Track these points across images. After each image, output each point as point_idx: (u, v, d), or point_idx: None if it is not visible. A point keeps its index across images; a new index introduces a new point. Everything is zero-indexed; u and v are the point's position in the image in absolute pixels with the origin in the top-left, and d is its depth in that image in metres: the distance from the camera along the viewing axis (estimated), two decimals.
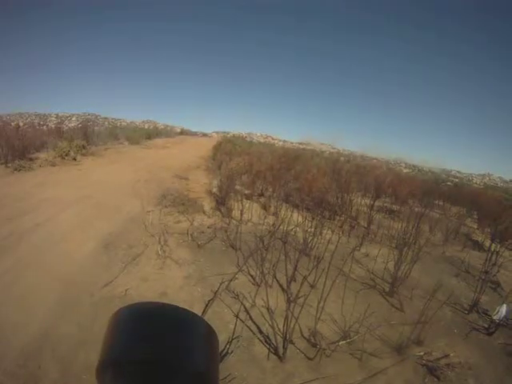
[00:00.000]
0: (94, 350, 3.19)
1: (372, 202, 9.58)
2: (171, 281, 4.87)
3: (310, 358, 3.62)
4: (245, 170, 12.03)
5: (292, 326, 3.59)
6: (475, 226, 11.95)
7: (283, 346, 3.54)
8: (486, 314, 5.26)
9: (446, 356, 4.03)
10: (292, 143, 66.13)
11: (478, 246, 9.13)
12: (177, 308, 0.52)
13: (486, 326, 4.87)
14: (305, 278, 4.26)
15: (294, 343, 3.75)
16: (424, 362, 3.89)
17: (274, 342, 3.65)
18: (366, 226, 8.32)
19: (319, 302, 3.76)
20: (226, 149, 21.02)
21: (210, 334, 0.53)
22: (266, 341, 3.81)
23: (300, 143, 65.07)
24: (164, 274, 5.04)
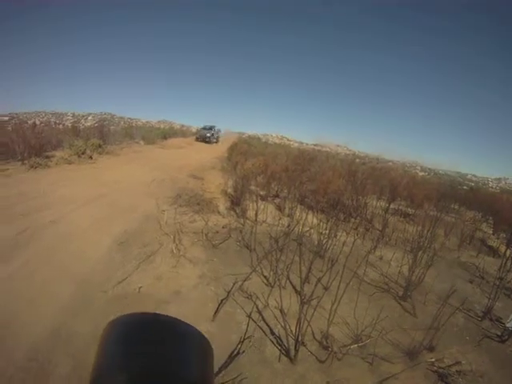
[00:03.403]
0: None
1: (387, 205, 9.52)
2: (185, 279, 4.88)
3: (321, 361, 3.62)
4: (260, 170, 12.02)
5: (304, 328, 3.60)
6: (490, 231, 11.78)
7: (295, 348, 3.55)
8: (500, 321, 5.19)
9: (458, 363, 3.99)
10: (307, 144, 65.76)
11: (493, 251, 9.02)
12: (170, 319, 0.53)
13: (499, 333, 4.81)
14: (319, 279, 4.27)
15: (305, 345, 3.76)
16: (435, 368, 3.87)
17: (285, 344, 3.66)
18: (380, 228, 8.28)
19: (332, 305, 3.76)
20: (242, 149, 21.06)
21: (204, 345, 0.54)
22: (277, 342, 3.82)
23: (315, 144, 64.77)
24: (178, 272, 5.05)
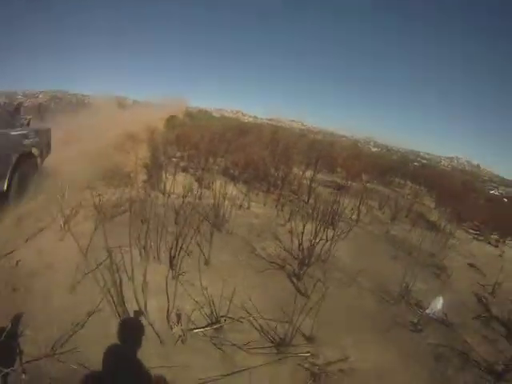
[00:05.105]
0: None
1: (313, 175, 9.02)
2: (64, 253, 4.50)
3: (161, 342, 3.15)
4: (185, 142, 11.81)
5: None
6: (432, 206, 11.27)
7: None
8: (419, 306, 4.50)
9: (345, 359, 3.29)
10: (262, 119, 65.48)
11: (432, 226, 8.34)
12: None
13: (416, 320, 4.12)
14: (191, 250, 3.85)
15: (152, 325, 3.29)
16: (308, 365, 3.17)
17: None
18: (305, 200, 7.89)
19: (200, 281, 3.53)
20: (176, 122, 20.58)
21: None
22: None
23: (270, 119, 64.45)
24: (60, 246, 4.74)
